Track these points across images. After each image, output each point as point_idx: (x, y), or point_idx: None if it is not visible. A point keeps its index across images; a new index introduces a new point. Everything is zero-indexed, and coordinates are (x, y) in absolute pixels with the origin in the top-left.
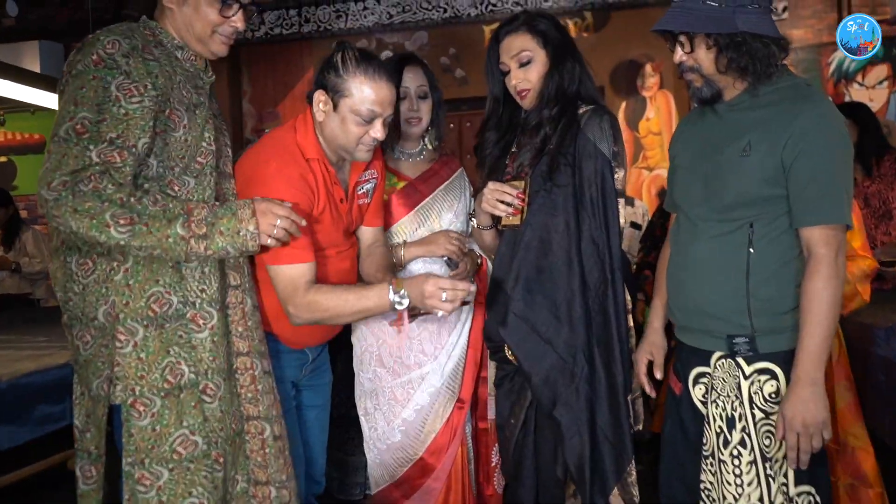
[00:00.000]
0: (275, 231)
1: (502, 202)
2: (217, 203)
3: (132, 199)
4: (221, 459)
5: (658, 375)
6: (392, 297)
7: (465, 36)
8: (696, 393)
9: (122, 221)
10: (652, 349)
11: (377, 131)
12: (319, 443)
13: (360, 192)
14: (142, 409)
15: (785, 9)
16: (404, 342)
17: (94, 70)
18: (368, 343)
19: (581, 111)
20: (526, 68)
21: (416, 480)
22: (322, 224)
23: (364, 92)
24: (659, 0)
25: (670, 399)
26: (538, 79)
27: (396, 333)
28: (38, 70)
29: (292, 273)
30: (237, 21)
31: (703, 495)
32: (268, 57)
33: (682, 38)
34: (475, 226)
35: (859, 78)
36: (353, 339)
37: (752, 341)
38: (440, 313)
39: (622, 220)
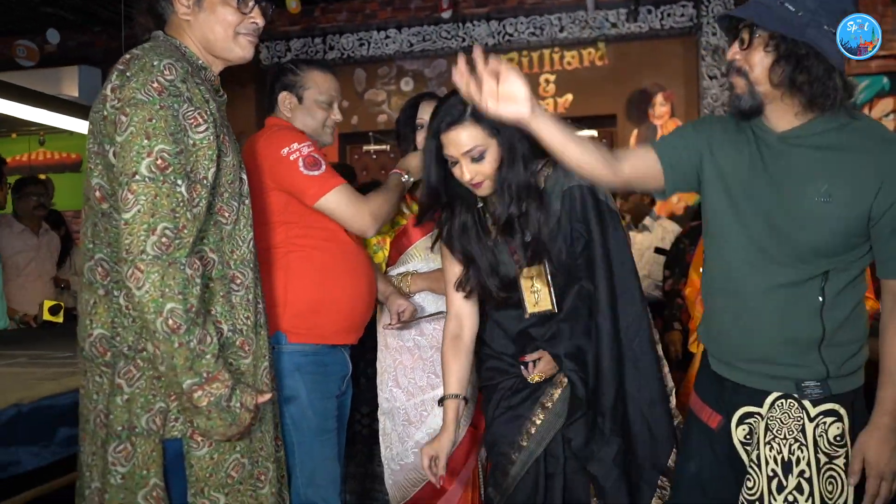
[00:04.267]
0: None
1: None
2: (233, 387)
3: (198, 310)
4: (263, 477)
5: None
6: (397, 175)
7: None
8: (739, 433)
9: (171, 322)
10: None
11: (337, 112)
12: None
13: None
14: (199, 439)
15: None
16: (417, 363)
17: (160, 99)
18: (387, 364)
19: (539, 172)
20: (479, 163)
21: (427, 501)
22: None
23: (321, 81)
24: (671, 32)
25: (699, 433)
26: (493, 168)
27: (411, 355)
28: (76, 92)
29: (346, 192)
30: (256, 16)
31: None
32: None
33: (744, 33)
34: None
35: (866, 110)
36: (378, 360)
37: (825, 385)
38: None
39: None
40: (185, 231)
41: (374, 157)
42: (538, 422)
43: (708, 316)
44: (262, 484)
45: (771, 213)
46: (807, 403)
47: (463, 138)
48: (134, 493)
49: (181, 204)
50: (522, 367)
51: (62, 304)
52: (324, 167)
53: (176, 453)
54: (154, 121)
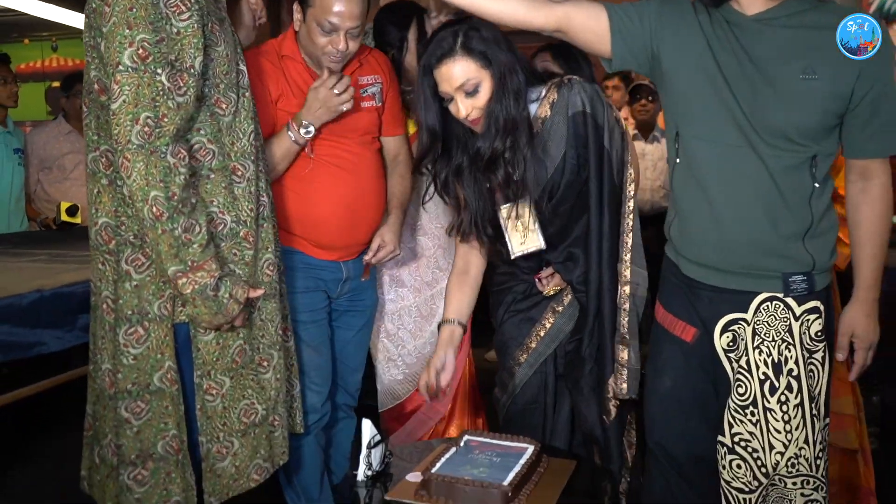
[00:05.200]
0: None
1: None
2: (220, 277)
3: (182, 198)
4: (266, 363)
5: None
6: (290, 133)
7: None
8: (722, 342)
9: (155, 210)
10: None
11: (338, 42)
12: (355, 362)
13: (364, 95)
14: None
15: None
16: (421, 260)
17: None
18: (388, 266)
19: (545, 99)
20: (474, 96)
21: (400, 414)
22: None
23: (324, 3)
24: None
25: (670, 347)
26: (487, 101)
27: (414, 254)
28: None
29: None
30: None
31: (737, 448)
32: None
33: None
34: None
35: None
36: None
37: (810, 279)
38: (344, 106)
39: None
40: (166, 120)
41: None
42: (548, 325)
43: (684, 217)
44: (264, 370)
45: (756, 94)
46: (792, 303)
47: (455, 72)
48: (149, 374)
49: (161, 93)
50: (537, 282)
51: (78, 204)
52: None
53: (185, 336)
54: (134, 10)
